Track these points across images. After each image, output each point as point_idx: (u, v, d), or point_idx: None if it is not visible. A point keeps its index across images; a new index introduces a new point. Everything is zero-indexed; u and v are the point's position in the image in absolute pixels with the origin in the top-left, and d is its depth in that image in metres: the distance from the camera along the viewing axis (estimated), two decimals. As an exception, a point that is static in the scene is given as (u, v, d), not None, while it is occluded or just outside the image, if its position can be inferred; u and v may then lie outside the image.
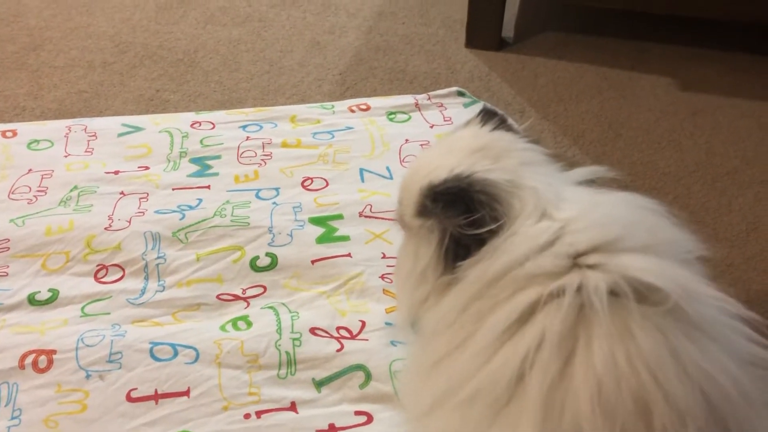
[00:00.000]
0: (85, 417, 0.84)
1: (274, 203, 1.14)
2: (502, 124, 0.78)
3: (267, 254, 1.06)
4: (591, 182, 0.74)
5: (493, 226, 0.68)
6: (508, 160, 0.73)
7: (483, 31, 2.05)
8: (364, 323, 0.97)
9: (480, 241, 0.68)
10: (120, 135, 1.28)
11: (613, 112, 1.80)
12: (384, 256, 1.06)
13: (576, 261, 0.65)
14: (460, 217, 0.69)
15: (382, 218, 1.12)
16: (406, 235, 0.79)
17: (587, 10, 2.20)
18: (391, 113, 1.35)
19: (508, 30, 2.10)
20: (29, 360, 0.89)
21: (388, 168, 1.22)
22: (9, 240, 1.05)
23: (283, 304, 0.99)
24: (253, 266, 1.04)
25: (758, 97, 1.81)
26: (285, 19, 2.15)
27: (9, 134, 1.27)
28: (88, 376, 0.88)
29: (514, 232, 0.68)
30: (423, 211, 0.74)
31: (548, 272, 0.64)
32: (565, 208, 0.68)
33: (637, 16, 2.17)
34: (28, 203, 1.13)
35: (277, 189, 1.17)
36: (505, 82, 1.96)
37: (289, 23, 2.14)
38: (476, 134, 0.77)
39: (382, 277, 1.03)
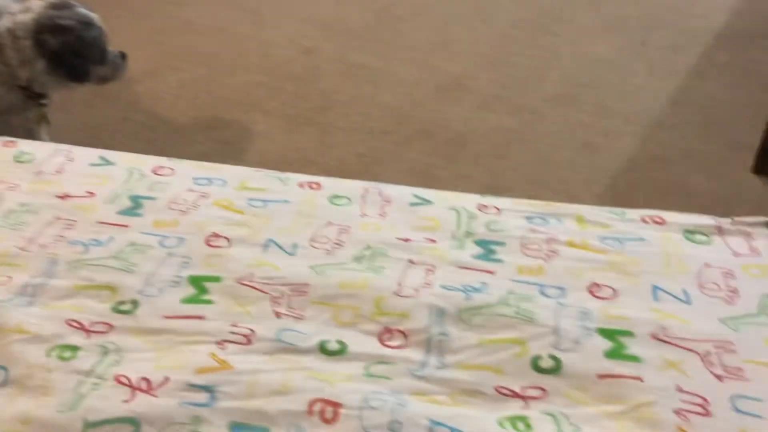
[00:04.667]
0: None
1: (559, 303, 1.10)
2: None
3: (551, 356, 1.01)
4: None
5: None
6: None
7: (778, 159, 1.89)
8: (656, 460, 0.87)
9: None
10: (411, 204, 1.33)
11: None
12: (680, 389, 0.96)
13: None
14: None
15: (679, 345, 1.03)
16: None
17: None
18: (689, 232, 1.26)
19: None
20: (317, 408, 0.92)
21: (685, 291, 1.13)
22: (308, 285, 1.12)
23: (564, 415, 0.94)
24: (535, 365, 1.00)
25: None
26: (558, 115, 2.16)
27: (315, 186, 1.37)
28: (369, 439, 0.88)
29: None
30: None
31: None
32: None
33: None
34: (326, 253, 1.20)
35: (562, 289, 1.13)
36: (799, 218, 1.77)
37: (562, 119, 2.14)
38: None
39: (677, 412, 0.93)
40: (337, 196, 1.35)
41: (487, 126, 2.14)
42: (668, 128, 2.10)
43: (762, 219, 1.29)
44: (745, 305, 1.11)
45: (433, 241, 1.24)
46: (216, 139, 2.00)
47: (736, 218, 1.29)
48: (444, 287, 1.12)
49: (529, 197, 1.47)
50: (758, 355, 1.02)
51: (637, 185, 1.87)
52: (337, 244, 1.22)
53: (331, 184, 1.38)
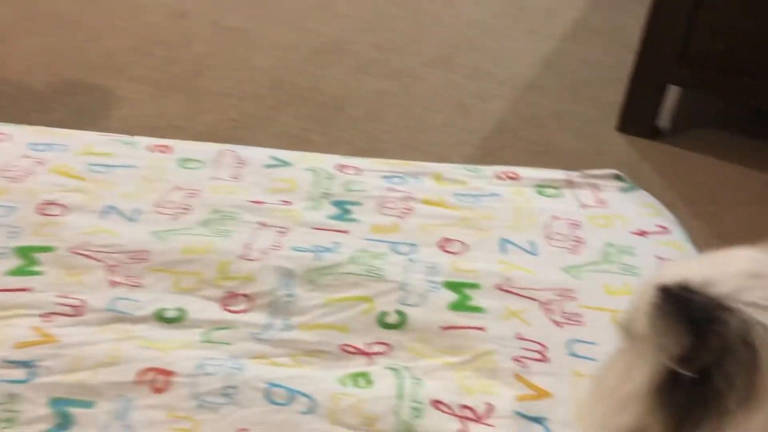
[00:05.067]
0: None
1: (410, 260, 1.09)
2: None
3: (396, 311, 1.00)
4: None
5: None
6: None
7: (638, 117, 1.96)
8: (491, 407, 0.88)
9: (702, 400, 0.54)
10: (267, 166, 1.28)
11: (779, 224, 1.65)
12: (520, 337, 0.98)
13: None
14: (680, 341, 0.55)
15: (522, 295, 1.04)
16: (626, 344, 0.66)
17: (753, 112, 2.06)
18: (541, 186, 1.28)
19: (665, 120, 2.00)
20: (148, 377, 0.87)
21: (531, 243, 1.15)
22: (148, 252, 1.06)
23: (407, 368, 0.93)
24: (381, 322, 0.99)
25: None
26: (434, 78, 2.15)
27: (164, 149, 1.30)
28: (200, 406, 0.85)
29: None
30: (649, 320, 0.59)
31: None
32: None
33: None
34: (171, 219, 1.14)
35: (414, 245, 1.13)
36: (656, 172, 1.85)
37: (437, 83, 2.13)
38: (757, 258, 0.61)
39: (516, 359, 0.94)
40: (188, 160, 1.28)
41: (364, 90, 2.11)
42: (540, 90, 2.14)
43: (610, 171, 1.32)
44: (589, 254, 1.14)
45: (289, 202, 1.20)
46: (74, 106, 1.87)
47: (586, 171, 1.32)
48: (294, 249, 1.09)
49: (403, 159, 1.46)
50: (596, 301, 1.05)
51: (508, 146, 1.90)
52: (183, 208, 1.16)
53: (184, 147, 1.32)
